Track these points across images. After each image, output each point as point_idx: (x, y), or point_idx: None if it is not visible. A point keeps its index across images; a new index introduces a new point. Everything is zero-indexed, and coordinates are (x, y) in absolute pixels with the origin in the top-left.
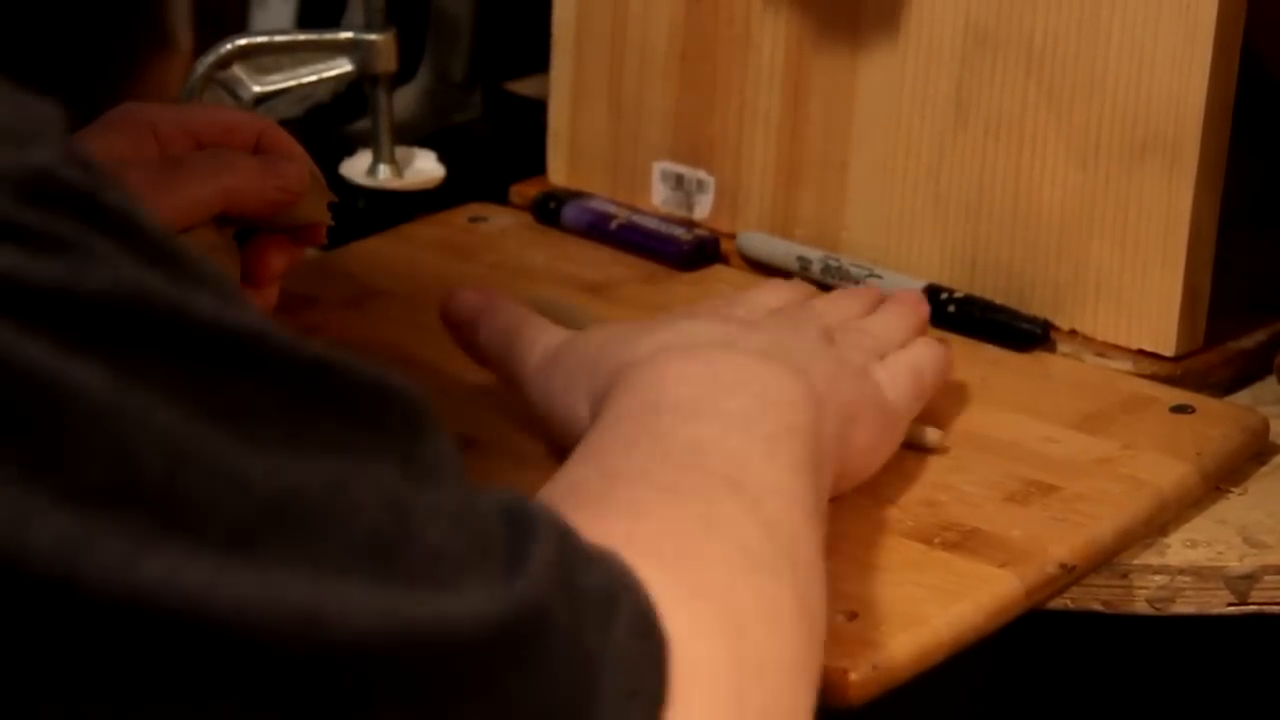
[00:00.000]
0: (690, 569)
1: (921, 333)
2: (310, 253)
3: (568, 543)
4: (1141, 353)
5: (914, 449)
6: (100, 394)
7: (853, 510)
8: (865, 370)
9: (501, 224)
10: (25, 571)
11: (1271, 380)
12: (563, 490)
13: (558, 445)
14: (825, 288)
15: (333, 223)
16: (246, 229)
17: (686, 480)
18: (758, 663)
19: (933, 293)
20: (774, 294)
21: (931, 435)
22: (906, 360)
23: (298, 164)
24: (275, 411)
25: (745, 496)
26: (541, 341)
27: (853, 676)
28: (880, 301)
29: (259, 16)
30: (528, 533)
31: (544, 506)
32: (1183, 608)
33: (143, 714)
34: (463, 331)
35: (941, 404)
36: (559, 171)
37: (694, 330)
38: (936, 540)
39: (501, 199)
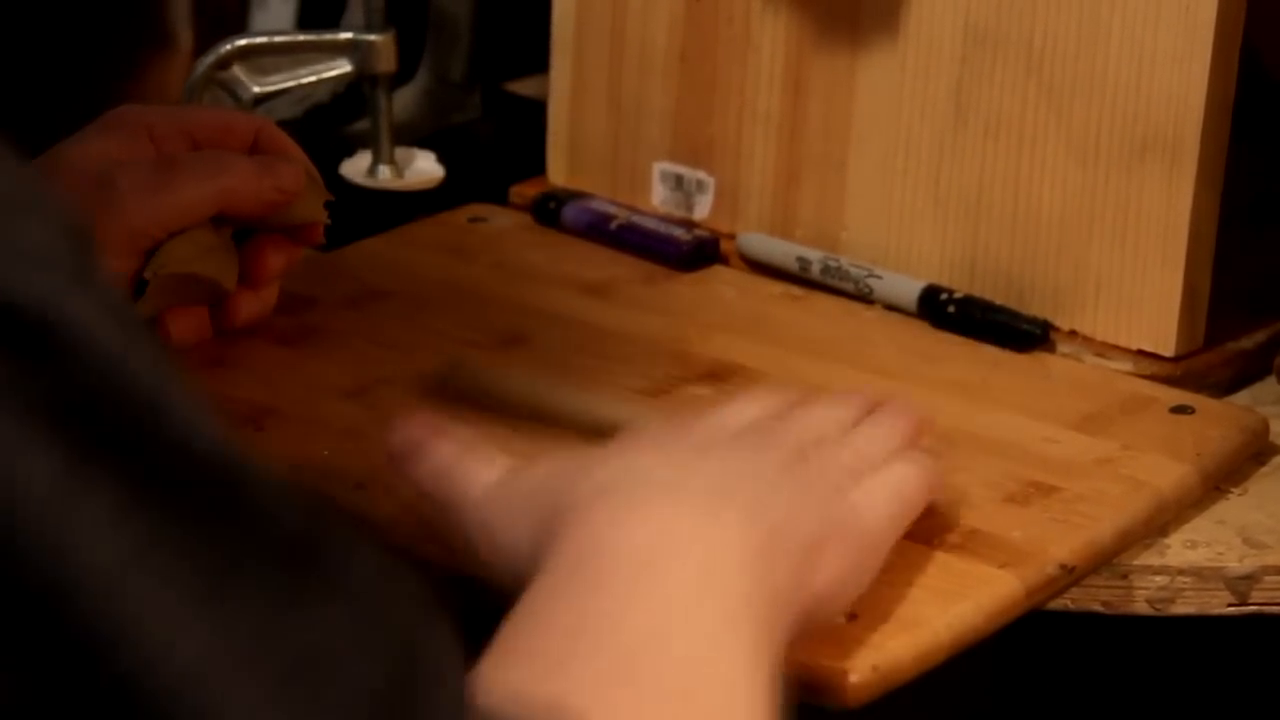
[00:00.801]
0: None
1: (912, 443)
2: (309, 253)
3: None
4: (1141, 353)
5: None
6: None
7: None
8: (838, 493)
9: (501, 224)
10: None
11: (1271, 380)
12: (517, 683)
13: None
14: (825, 288)
15: (330, 222)
16: (244, 229)
17: (639, 699)
18: None
19: (932, 293)
20: (753, 405)
21: None
22: (888, 478)
23: (294, 164)
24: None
25: (696, 707)
26: (483, 476)
27: (853, 678)
28: (870, 409)
29: (259, 17)
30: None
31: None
32: (1183, 608)
33: None
34: (404, 464)
35: (941, 404)
36: (558, 172)
37: (639, 467)
38: (936, 541)
39: (501, 199)
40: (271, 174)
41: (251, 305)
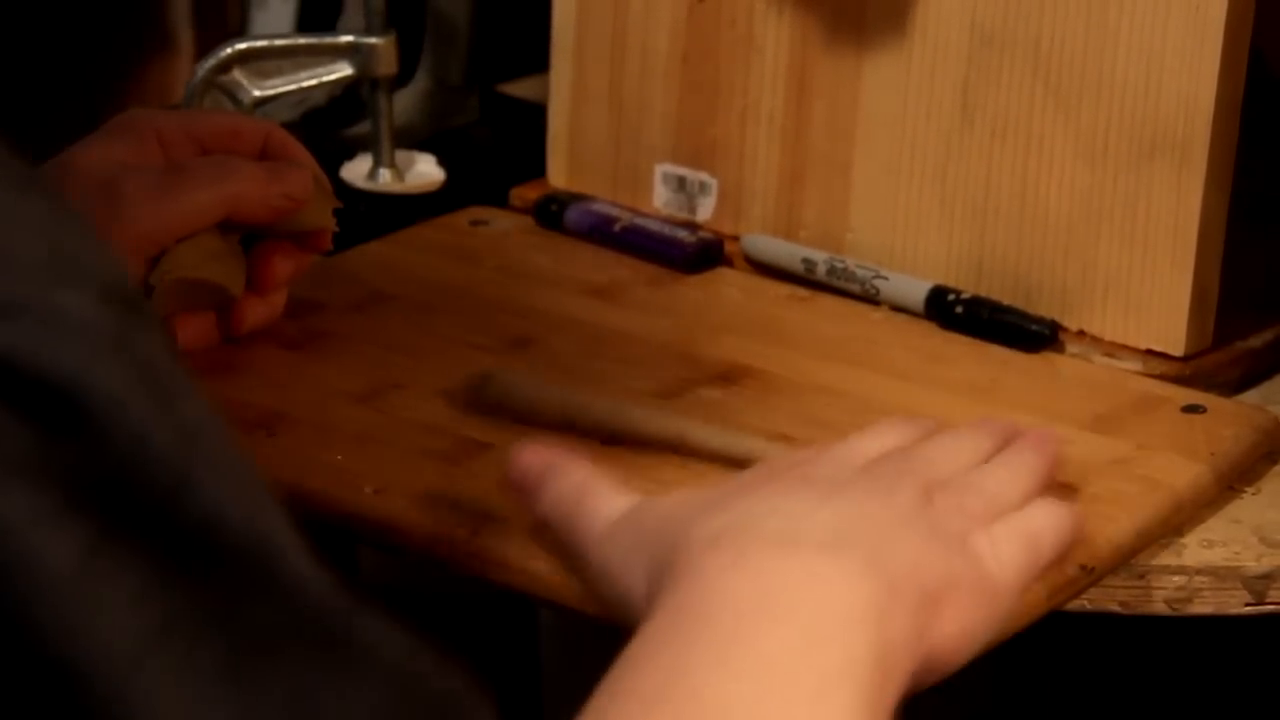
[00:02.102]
0: None
1: (1051, 480)
2: (314, 257)
3: None
4: (1150, 353)
5: None
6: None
7: None
8: (964, 541)
9: (503, 227)
10: None
11: None
12: None
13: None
14: (831, 290)
15: (338, 229)
16: (252, 234)
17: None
18: None
19: (940, 294)
20: (879, 439)
21: None
22: (1020, 526)
23: (302, 170)
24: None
25: None
26: (605, 511)
27: None
28: (1004, 441)
29: (258, 19)
30: None
31: None
32: (1200, 608)
33: None
34: (526, 496)
35: (951, 406)
36: (559, 174)
37: (757, 513)
38: None
39: (500, 202)
40: (279, 180)
41: (259, 311)
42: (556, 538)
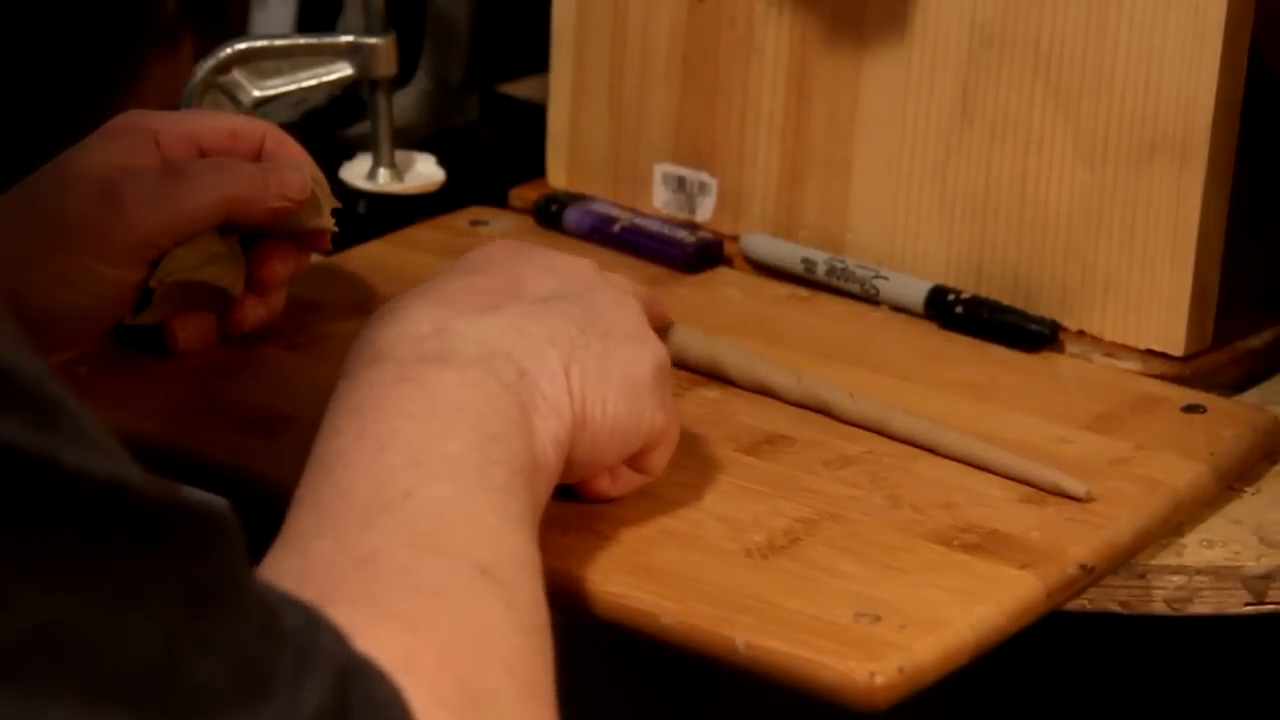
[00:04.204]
0: (469, 707)
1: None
2: (313, 257)
3: (346, 682)
4: (1150, 353)
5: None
6: None
7: (871, 513)
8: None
9: (503, 227)
10: None
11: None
12: (315, 572)
13: None
14: (831, 290)
15: (337, 229)
16: (251, 235)
17: (444, 575)
18: None
19: (939, 294)
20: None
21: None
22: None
23: (300, 171)
24: (59, 535)
25: (497, 587)
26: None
27: (879, 680)
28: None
29: (258, 19)
30: (306, 668)
31: (330, 633)
32: (1200, 608)
33: None
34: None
35: (951, 405)
36: (558, 174)
37: (424, 320)
38: (956, 542)
39: (500, 202)
40: (277, 181)
41: (258, 311)
42: None
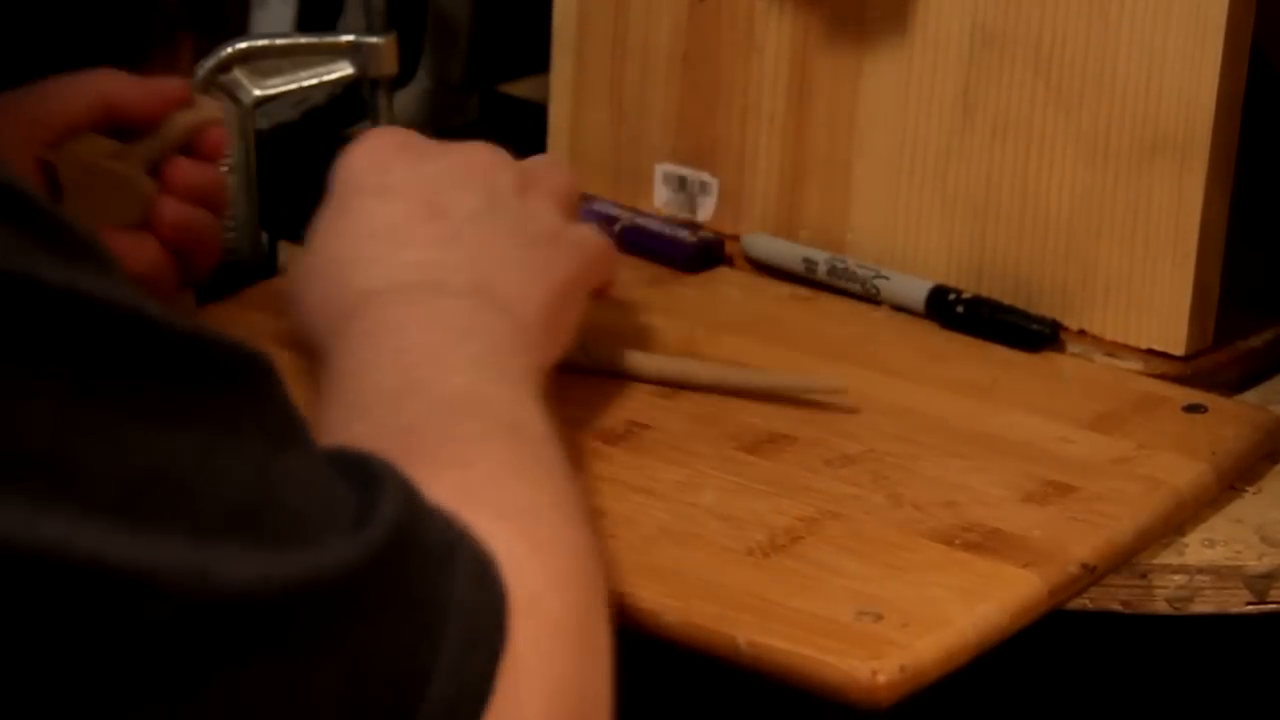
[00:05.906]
0: (525, 520)
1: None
2: (220, 170)
3: (411, 499)
4: (1151, 352)
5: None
6: None
7: (872, 512)
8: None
9: None
10: None
11: None
12: (369, 443)
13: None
14: (832, 290)
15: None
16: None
17: (480, 429)
18: (593, 607)
19: (940, 293)
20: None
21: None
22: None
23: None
24: (150, 383)
25: (527, 442)
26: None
27: (881, 679)
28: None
29: (259, 18)
30: (375, 491)
31: (386, 464)
32: (1202, 607)
33: (44, 659)
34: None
35: (953, 405)
36: None
37: (406, 263)
38: (957, 541)
39: None
40: (154, 81)
41: (179, 209)
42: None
